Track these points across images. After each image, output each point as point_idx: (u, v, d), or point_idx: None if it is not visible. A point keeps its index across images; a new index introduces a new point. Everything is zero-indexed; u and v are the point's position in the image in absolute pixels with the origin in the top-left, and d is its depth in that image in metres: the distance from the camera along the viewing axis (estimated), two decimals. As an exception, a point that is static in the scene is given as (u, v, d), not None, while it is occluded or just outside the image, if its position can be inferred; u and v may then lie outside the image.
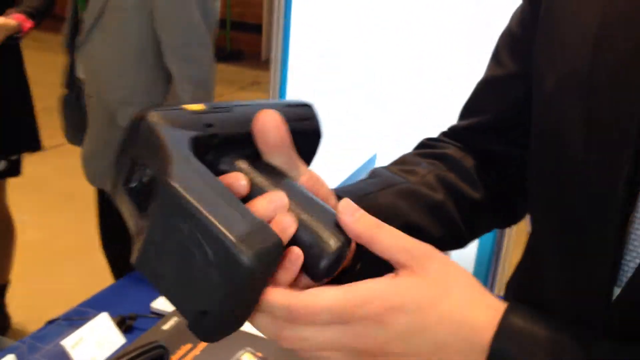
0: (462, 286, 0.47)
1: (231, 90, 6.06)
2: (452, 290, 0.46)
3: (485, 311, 0.46)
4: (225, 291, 0.39)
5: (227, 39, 6.83)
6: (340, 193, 0.61)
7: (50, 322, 1.33)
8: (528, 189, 0.68)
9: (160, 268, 0.41)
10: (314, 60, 1.73)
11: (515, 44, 0.71)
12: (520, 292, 0.74)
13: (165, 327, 1.24)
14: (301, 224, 0.45)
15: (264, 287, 0.42)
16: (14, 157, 2.30)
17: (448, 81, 1.65)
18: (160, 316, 1.33)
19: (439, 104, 1.65)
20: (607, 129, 0.53)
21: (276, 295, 0.42)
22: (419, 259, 0.46)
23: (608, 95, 0.54)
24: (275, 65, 1.72)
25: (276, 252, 0.41)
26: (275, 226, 0.43)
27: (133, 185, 0.43)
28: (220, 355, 1.19)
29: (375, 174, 0.69)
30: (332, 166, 1.67)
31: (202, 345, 1.22)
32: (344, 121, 1.71)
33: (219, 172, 0.47)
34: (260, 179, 0.47)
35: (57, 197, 3.67)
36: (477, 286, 0.48)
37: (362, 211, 0.47)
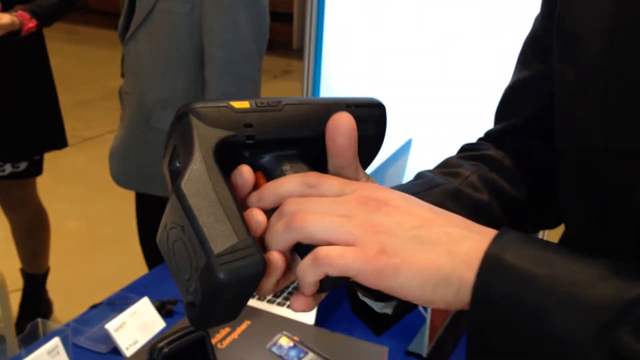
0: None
1: (265, 79, 6.09)
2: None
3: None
4: (203, 297, 0.41)
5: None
6: None
7: (94, 306, 1.37)
8: (558, 187, 0.68)
9: (167, 253, 0.44)
10: (348, 47, 1.73)
11: (539, 45, 0.72)
12: None
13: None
14: None
15: (250, 294, 0.43)
16: (36, 158, 2.32)
17: (485, 67, 1.64)
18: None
19: (475, 89, 1.65)
20: (629, 121, 0.53)
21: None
22: None
23: (628, 86, 0.54)
24: (308, 54, 1.73)
25: (254, 271, 0.42)
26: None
27: (171, 168, 0.46)
28: (257, 339, 1.22)
29: (419, 176, 0.70)
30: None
31: (240, 329, 1.24)
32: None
33: (258, 168, 0.48)
34: None
35: (97, 187, 3.75)
36: None
37: None
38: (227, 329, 1.24)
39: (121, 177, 1.89)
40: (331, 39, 1.74)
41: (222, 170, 0.45)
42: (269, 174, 0.48)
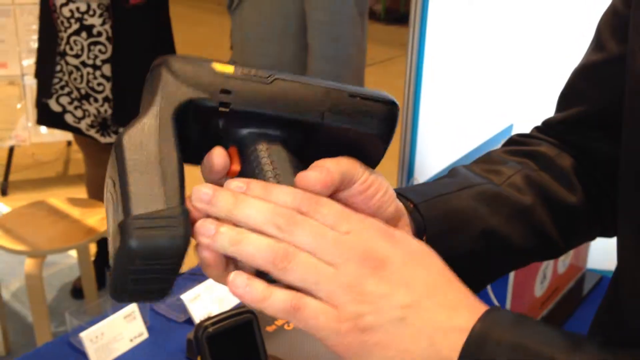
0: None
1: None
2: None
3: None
4: (114, 262, 0.37)
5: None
6: (409, 194, 0.56)
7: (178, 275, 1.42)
8: (619, 189, 0.58)
9: (105, 209, 0.41)
10: (453, 24, 1.64)
11: (618, 23, 0.61)
12: (605, 331, 0.65)
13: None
14: None
15: (170, 272, 0.39)
16: None
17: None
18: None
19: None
20: None
21: None
22: None
23: None
24: (413, 30, 1.66)
25: (171, 245, 0.37)
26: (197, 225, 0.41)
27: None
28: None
29: (454, 173, 0.63)
30: (467, 132, 1.59)
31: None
32: (481, 88, 1.61)
33: (233, 141, 0.44)
34: (266, 168, 0.43)
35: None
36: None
37: None
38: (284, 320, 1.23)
39: None
40: (438, 11, 1.65)
41: (184, 133, 0.42)
42: (242, 151, 0.44)
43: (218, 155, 0.44)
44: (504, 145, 0.70)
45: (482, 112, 1.60)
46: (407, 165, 1.66)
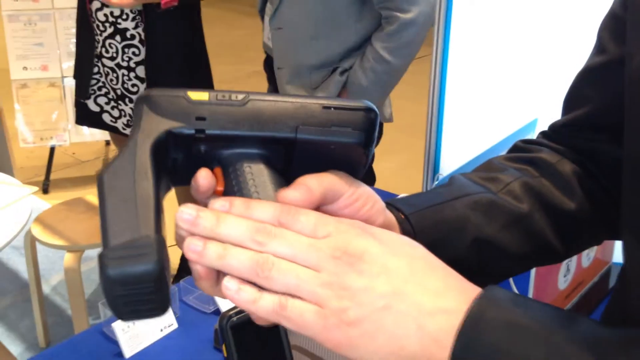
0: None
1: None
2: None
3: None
4: (103, 288, 0.40)
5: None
6: (400, 205, 0.58)
7: (208, 268, 1.46)
8: (621, 191, 0.59)
9: None
10: (478, 19, 1.64)
11: (617, 26, 0.63)
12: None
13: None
14: None
15: (157, 292, 0.40)
16: None
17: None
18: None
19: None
20: None
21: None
22: None
23: None
24: (438, 26, 1.66)
25: (144, 271, 0.39)
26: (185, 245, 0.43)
27: None
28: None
29: (451, 181, 0.64)
30: (492, 127, 1.59)
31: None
32: (505, 82, 1.61)
33: (217, 163, 0.46)
34: (247, 187, 0.45)
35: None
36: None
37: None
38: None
39: None
40: (462, 8, 1.66)
41: (171, 159, 0.44)
42: (225, 171, 0.46)
43: (203, 177, 0.46)
44: (508, 151, 0.71)
45: (507, 107, 1.60)
46: (433, 161, 1.66)
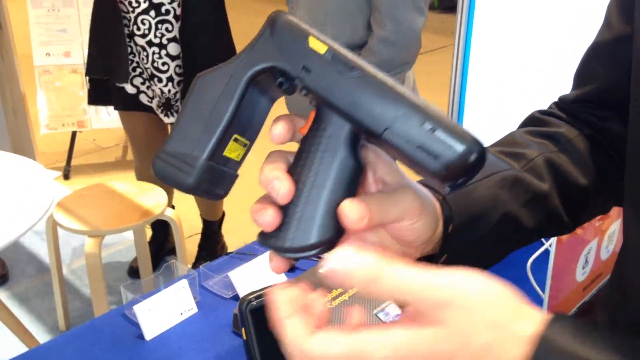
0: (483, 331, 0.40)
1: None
2: (471, 340, 0.40)
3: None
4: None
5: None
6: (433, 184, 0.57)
7: (227, 254, 1.47)
8: (625, 174, 0.60)
9: None
10: (501, 9, 1.63)
11: (625, 3, 0.63)
12: (611, 308, 0.66)
13: (322, 270, 1.31)
14: None
15: (191, 191, 0.44)
16: None
17: None
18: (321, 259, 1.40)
19: None
20: None
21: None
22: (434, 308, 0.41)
23: None
24: (461, 16, 1.66)
25: (181, 182, 0.43)
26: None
27: None
28: (367, 302, 1.23)
29: None
30: (513, 117, 1.59)
31: (352, 292, 1.26)
32: (527, 72, 1.61)
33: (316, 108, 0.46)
34: (311, 175, 0.45)
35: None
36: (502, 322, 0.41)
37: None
38: (339, 290, 1.26)
39: None
40: (485, 4, 1.65)
41: (257, 90, 0.44)
42: (315, 120, 0.45)
43: (278, 127, 0.46)
44: (526, 123, 0.72)
45: (529, 97, 1.60)
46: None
